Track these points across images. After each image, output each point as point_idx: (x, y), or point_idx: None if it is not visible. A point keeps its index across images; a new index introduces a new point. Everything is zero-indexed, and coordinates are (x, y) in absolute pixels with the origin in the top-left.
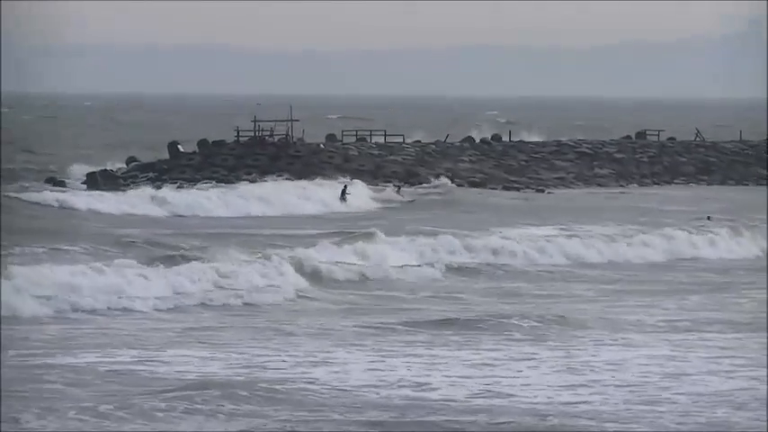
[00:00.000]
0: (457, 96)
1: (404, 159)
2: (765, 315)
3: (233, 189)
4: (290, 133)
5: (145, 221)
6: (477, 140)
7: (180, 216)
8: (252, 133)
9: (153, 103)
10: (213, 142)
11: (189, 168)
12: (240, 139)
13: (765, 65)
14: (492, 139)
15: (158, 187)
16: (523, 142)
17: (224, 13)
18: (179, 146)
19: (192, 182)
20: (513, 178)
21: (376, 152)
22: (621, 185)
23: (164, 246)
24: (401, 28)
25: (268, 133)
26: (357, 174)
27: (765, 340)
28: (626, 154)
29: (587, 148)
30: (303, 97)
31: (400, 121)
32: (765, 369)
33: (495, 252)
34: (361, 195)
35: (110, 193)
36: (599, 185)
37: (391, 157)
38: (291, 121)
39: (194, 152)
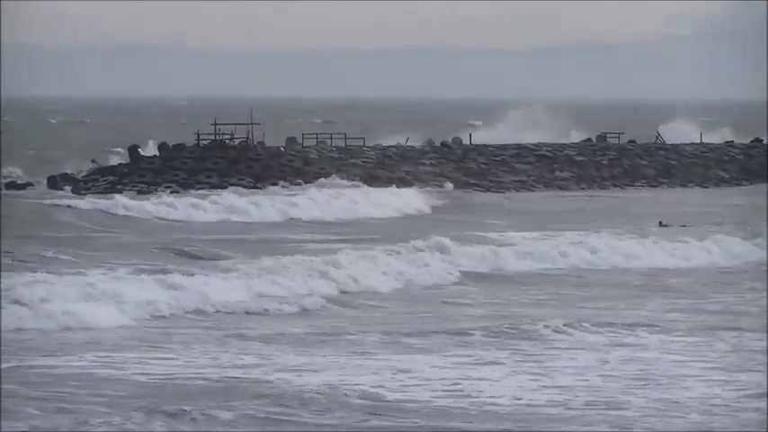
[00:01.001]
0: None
1: (364, 163)
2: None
3: (266, 193)
4: (250, 137)
5: (144, 226)
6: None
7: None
8: (212, 137)
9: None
10: (173, 146)
11: (149, 172)
12: (200, 142)
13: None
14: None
15: (119, 191)
16: (484, 145)
17: (224, 13)
18: (139, 149)
19: (153, 185)
20: (473, 181)
21: (336, 155)
22: (582, 188)
23: (182, 252)
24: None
25: (228, 137)
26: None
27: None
28: (586, 157)
29: (547, 150)
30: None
31: (390, 123)
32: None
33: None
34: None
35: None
36: (559, 188)
37: (351, 161)
38: (252, 124)
39: (154, 156)
